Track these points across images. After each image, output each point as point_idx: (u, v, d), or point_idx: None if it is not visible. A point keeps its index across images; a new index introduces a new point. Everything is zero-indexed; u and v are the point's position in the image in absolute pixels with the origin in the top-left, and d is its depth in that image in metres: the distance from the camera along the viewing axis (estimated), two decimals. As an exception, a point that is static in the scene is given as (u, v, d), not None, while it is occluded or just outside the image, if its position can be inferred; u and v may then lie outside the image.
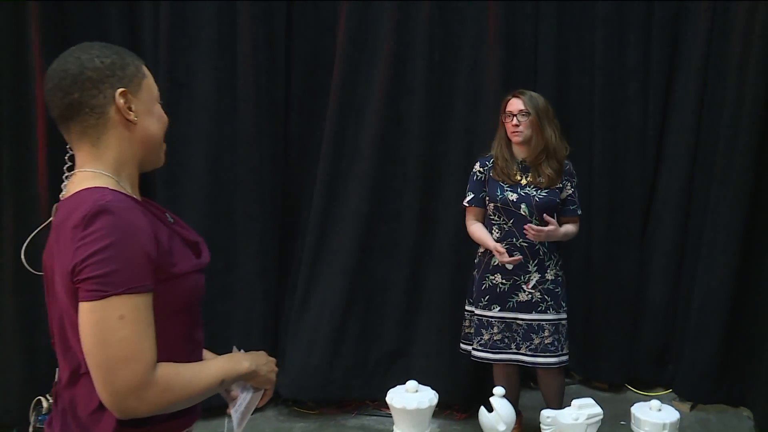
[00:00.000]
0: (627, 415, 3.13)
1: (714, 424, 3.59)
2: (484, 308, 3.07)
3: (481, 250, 3.14)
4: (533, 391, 3.61)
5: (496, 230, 3.03)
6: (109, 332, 1.17)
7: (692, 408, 3.72)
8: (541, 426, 2.69)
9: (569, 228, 3.08)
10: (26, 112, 3.24)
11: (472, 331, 3.15)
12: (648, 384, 3.98)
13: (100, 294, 1.17)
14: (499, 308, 3.04)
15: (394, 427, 2.71)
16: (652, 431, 2.68)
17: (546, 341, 3.02)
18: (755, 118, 3.45)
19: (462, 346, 3.27)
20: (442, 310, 3.63)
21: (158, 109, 1.41)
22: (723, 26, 3.66)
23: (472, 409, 3.32)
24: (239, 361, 1.43)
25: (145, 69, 1.39)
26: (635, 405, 2.73)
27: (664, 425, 2.64)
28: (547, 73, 3.78)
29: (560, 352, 3.04)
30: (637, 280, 3.95)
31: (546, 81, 3.76)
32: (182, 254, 1.35)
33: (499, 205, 3.02)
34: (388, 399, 2.64)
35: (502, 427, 2.76)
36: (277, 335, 3.78)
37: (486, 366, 3.27)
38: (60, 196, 1.33)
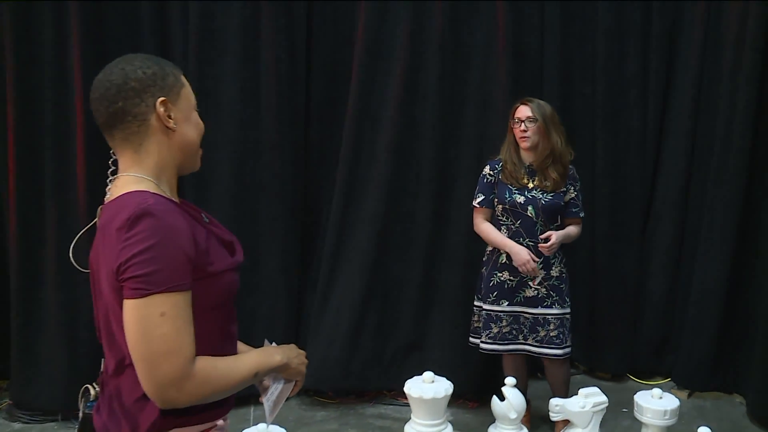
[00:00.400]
0: (629, 403, 3.23)
1: (709, 410, 3.68)
2: (492, 303, 3.16)
3: (490, 248, 3.23)
4: (540, 381, 3.69)
5: (504, 230, 3.14)
6: (152, 328, 1.21)
7: (689, 395, 3.80)
8: (550, 414, 2.76)
9: (571, 230, 3.18)
10: (67, 122, 3.38)
11: (481, 325, 3.23)
12: (648, 373, 4.05)
13: (143, 292, 1.21)
14: (507, 303, 3.14)
15: (412, 415, 2.79)
16: (654, 417, 2.76)
17: (551, 334, 3.12)
18: (747, 123, 3.54)
19: (471, 339, 3.35)
20: (454, 305, 3.70)
21: (195, 116, 1.43)
22: (716, 37, 3.75)
23: (483, 398, 3.47)
24: (272, 354, 1.46)
25: (183, 79, 1.42)
26: (638, 393, 2.79)
27: (665, 412, 2.72)
28: (552, 82, 3.85)
29: (565, 345, 3.14)
30: (637, 275, 4.01)
31: (551, 89, 3.83)
32: (218, 254, 1.37)
33: (507, 207, 3.12)
34: (405, 389, 2.70)
35: (513, 414, 2.85)
36: (299, 329, 3.85)
37: (496, 358, 3.36)
38: (104, 199, 1.37)
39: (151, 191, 1.31)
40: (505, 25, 3.62)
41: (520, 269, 3.07)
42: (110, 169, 1.40)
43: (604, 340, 4.01)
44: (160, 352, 1.21)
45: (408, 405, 3.05)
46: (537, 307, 3.13)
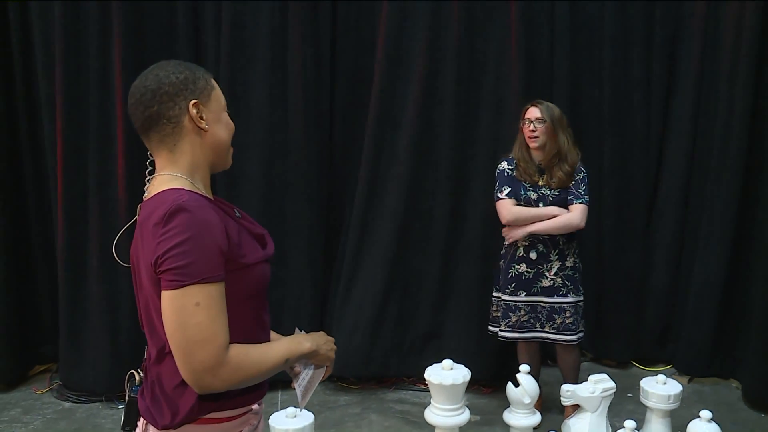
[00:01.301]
0: (633, 388, 3.30)
1: (708, 394, 3.81)
2: (511, 294, 3.26)
3: (507, 242, 3.33)
4: (551, 368, 3.82)
5: None
6: (187, 317, 1.25)
7: (689, 381, 3.92)
8: (561, 399, 2.84)
9: (559, 218, 3.14)
10: (109, 125, 3.55)
11: (500, 314, 3.34)
12: (651, 361, 4.17)
13: (179, 283, 1.24)
14: (524, 293, 3.24)
15: (432, 401, 2.87)
16: (659, 402, 2.81)
17: (567, 321, 3.23)
18: (744, 125, 3.67)
19: (490, 328, 3.45)
20: (469, 296, 3.81)
21: (225, 117, 1.46)
22: (714, 45, 3.86)
23: (497, 384, 3.64)
24: (302, 341, 1.48)
25: (213, 81, 1.45)
26: (643, 379, 2.84)
27: (669, 396, 2.79)
28: (561, 86, 3.96)
29: (578, 331, 3.27)
30: (641, 269, 4.11)
31: (561, 93, 3.94)
32: (250, 246, 1.41)
33: (522, 203, 3.24)
34: (426, 375, 2.73)
35: (527, 400, 2.92)
36: (324, 319, 3.97)
37: (510, 346, 3.46)
38: (143, 197, 1.41)
39: (186, 188, 1.35)
40: (517, 32, 3.73)
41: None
42: (148, 170, 1.45)
43: (610, 329, 4.12)
44: (196, 340, 1.25)
45: (426, 390, 3.11)
46: (553, 296, 3.24)
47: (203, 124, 1.39)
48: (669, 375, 3.53)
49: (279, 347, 1.43)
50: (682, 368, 4.03)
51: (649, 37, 4.01)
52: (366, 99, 3.85)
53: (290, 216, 3.84)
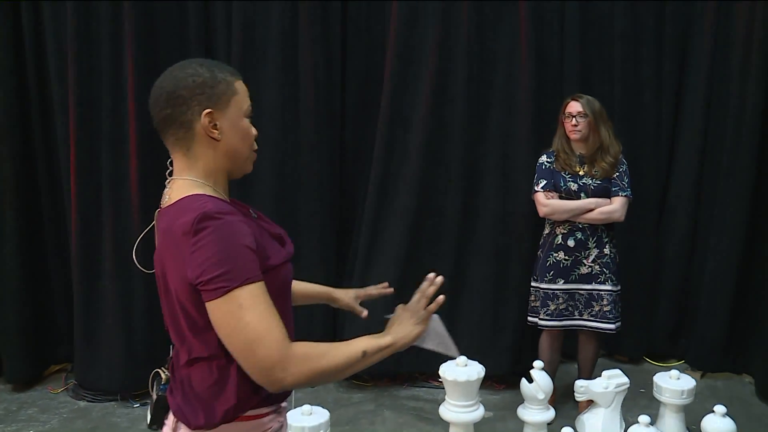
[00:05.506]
0: (646, 384, 3.39)
1: (720, 389, 3.83)
2: (549, 282, 3.31)
3: (546, 231, 3.38)
4: (564, 364, 3.79)
5: None
6: (235, 321, 1.24)
7: (702, 376, 3.93)
8: (575, 394, 2.92)
9: (602, 211, 3.24)
10: (122, 127, 3.57)
11: (538, 304, 3.38)
12: (663, 356, 4.18)
13: (222, 291, 1.23)
14: (563, 281, 3.29)
15: (446, 397, 2.88)
16: (673, 397, 2.89)
17: (605, 309, 3.28)
18: (756, 121, 3.68)
19: (529, 318, 3.47)
20: (482, 293, 3.82)
21: (244, 124, 1.41)
22: (725, 41, 3.86)
23: (509, 381, 3.66)
24: (382, 336, 1.41)
25: (237, 85, 1.39)
26: (657, 375, 2.91)
27: (683, 392, 2.88)
28: (572, 84, 3.93)
29: (617, 320, 3.32)
30: (653, 264, 4.12)
31: (571, 90, 3.81)
32: (273, 247, 1.39)
33: (563, 194, 3.29)
34: (441, 372, 2.76)
35: (541, 395, 2.97)
36: (337, 318, 3.98)
37: (521, 343, 3.49)
38: (161, 202, 1.39)
39: (208, 194, 1.34)
40: (527, 31, 3.73)
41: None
42: (168, 170, 1.41)
43: (622, 325, 3.94)
44: (250, 340, 1.23)
45: (439, 387, 3.13)
46: (591, 283, 3.29)
47: (216, 134, 1.36)
48: (682, 370, 3.59)
49: (355, 341, 1.36)
50: (694, 363, 4.03)
51: (660, 34, 4.01)
52: (377, 98, 3.85)
53: (302, 215, 3.85)
